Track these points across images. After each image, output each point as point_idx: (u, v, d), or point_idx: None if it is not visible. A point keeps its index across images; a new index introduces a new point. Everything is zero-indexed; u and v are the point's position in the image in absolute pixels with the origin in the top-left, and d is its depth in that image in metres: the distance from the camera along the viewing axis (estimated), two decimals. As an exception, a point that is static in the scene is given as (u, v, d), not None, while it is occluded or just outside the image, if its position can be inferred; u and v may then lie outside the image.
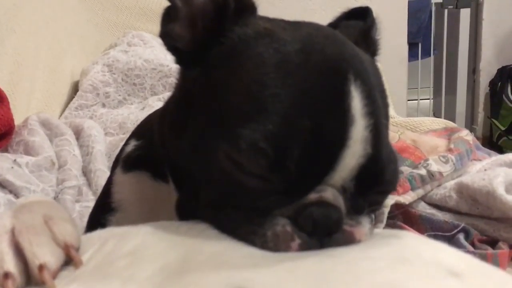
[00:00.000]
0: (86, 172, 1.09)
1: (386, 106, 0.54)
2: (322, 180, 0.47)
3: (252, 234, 0.47)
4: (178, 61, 0.59)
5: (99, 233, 0.51)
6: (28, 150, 1.03)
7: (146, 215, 0.65)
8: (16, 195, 0.90)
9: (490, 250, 0.93)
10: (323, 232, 0.47)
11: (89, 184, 1.06)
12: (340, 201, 0.48)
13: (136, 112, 1.47)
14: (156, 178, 0.66)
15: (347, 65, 0.50)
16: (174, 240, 0.47)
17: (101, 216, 0.69)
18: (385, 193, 0.55)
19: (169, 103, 0.63)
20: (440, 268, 0.42)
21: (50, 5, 1.73)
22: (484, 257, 0.90)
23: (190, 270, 0.41)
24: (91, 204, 1.00)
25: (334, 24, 0.67)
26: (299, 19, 0.59)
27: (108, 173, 1.08)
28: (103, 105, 1.52)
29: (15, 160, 0.93)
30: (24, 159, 0.96)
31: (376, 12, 0.71)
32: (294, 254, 0.45)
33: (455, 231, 0.98)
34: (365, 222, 0.51)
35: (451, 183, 1.07)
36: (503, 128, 3.13)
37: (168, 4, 0.57)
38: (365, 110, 0.48)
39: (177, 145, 0.56)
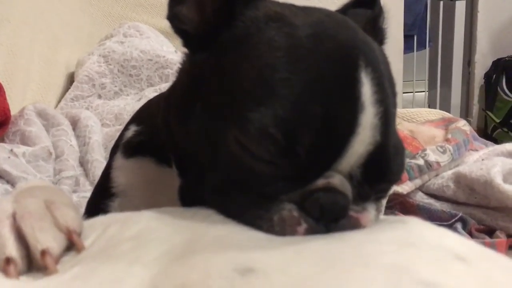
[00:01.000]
0: (83, 163, 1.08)
1: (394, 95, 0.53)
2: (331, 166, 0.47)
3: (259, 219, 0.47)
4: (186, 44, 0.59)
5: (101, 219, 0.51)
6: (25, 140, 1.02)
7: (148, 200, 0.65)
8: (13, 185, 0.89)
9: (487, 239, 0.93)
10: (330, 217, 0.47)
11: (86, 174, 1.06)
12: (347, 187, 0.48)
13: (132, 103, 1.46)
14: (160, 163, 0.66)
15: (359, 52, 0.50)
16: (179, 224, 0.47)
17: (101, 201, 0.68)
18: (391, 182, 0.55)
19: (174, 87, 0.62)
20: (447, 252, 0.42)
21: (44, -5, 1.72)
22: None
23: (196, 252, 0.41)
24: (89, 194, 1.00)
25: (342, 12, 0.67)
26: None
27: (103, 163, 1.08)
28: (99, 96, 1.51)
29: (11, 150, 0.93)
30: (21, 149, 0.95)
31: None
32: (301, 237, 0.45)
33: (453, 220, 0.99)
34: (371, 209, 0.51)
35: (448, 173, 1.07)
36: (498, 120, 3.14)
37: None
38: (375, 98, 0.48)
39: (184, 129, 0.56)
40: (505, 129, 3.10)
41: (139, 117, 0.74)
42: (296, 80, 0.47)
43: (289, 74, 0.47)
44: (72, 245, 0.45)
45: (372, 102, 0.47)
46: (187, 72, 0.60)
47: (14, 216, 0.44)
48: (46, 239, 0.42)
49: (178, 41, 1.84)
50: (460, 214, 0.98)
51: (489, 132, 3.24)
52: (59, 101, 1.54)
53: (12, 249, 0.41)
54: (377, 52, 0.54)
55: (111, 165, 0.71)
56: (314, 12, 0.56)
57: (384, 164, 0.50)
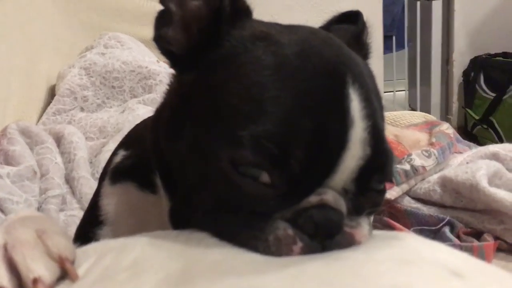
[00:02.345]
0: (69, 180, 1.07)
1: (381, 108, 0.54)
2: (323, 183, 0.48)
3: (253, 239, 0.46)
4: (173, 65, 0.59)
5: (94, 246, 0.50)
6: (9, 160, 1.01)
7: (134, 227, 0.64)
8: (-1, 207, 0.88)
9: (476, 243, 0.94)
10: (324, 234, 0.47)
11: (73, 192, 1.04)
12: (340, 203, 0.49)
13: (116, 116, 1.45)
14: (142, 189, 0.66)
15: (345, 68, 0.50)
16: (173, 250, 0.47)
17: (89, 229, 0.68)
18: (384, 192, 0.55)
19: (162, 108, 0.62)
20: (443, 269, 0.43)
21: (22, 8, 1.69)
22: (470, 250, 0.92)
23: (194, 280, 0.41)
24: (76, 212, 0.99)
25: (325, 28, 0.68)
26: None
27: (91, 180, 1.07)
28: (82, 109, 1.50)
29: (-5, 171, 0.91)
30: (5, 169, 0.94)
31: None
32: (298, 259, 0.45)
33: (441, 224, 1.00)
34: (365, 224, 0.51)
35: (434, 177, 1.09)
36: (477, 117, 3.18)
37: (161, 7, 0.57)
38: (364, 113, 0.48)
39: (173, 150, 0.55)
40: (485, 126, 3.14)
41: (127, 142, 0.74)
42: (285, 97, 0.47)
43: (278, 91, 0.48)
44: (65, 274, 0.44)
45: (361, 117, 0.48)
46: (175, 92, 0.60)
47: (5, 247, 0.44)
48: (38, 268, 0.42)
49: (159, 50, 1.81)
50: (448, 218, 1.00)
51: (469, 129, 3.29)
52: (40, 115, 1.51)
53: (4, 279, 0.41)
54: (362, 67, 0.55)
55: (99, 192, 0.70)
56: (299, 30, 0.57)
57: (376, 177, 0.51)
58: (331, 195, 0.48)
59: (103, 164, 1.11)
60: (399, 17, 3.41)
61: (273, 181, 0.47)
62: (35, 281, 0.41)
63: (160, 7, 0.58)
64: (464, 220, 1.01)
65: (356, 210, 0.51)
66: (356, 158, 0.48)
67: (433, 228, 0.99)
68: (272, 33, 0.54)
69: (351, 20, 0.69)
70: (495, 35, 3.32)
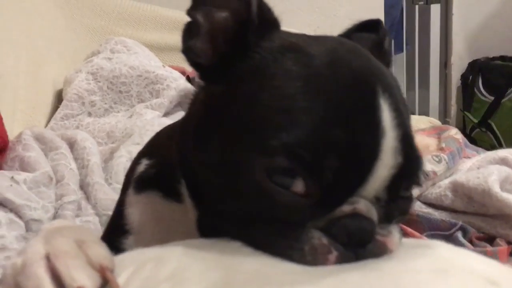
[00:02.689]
0: (83, 186, 1.07)
1: (409, 117, 0.55)
2: (356, 192, 0.48)
3: (289, 249, 0.47)
4: (202, 76, 0.59)
5: (130, 256, 0.51)
6: (24, 166, 1.01)
7: (160, 236, 0.65)
8: (17, 214, 0.88)
9: (489, 248, 0.95)
10: (357, 243, 0.48)
11: (87, 198, 1.04)
12: (372, 212, 0.50)
13: (123, 121, 1.45)
14: (168, 198, 0.66)
15: (374, 78, 0.51)
16: (211, 260, 0.47)
17: (115, 239, 0.68)
18: (411, 199, 0.56)
19: (188, 119, 0.63)
20: (479, 278, 0.44)
21: (27, 12, 1.69)
22: (484, 255, 0.92)
23: (236, 290, 0.42)
24: (91, 218, 0.99)
25: (346, 36, 0.68)
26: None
27: (105, 186, 1.07)
28: (89, 114, 1.50)
29: (12, 177, 0.91)
30: (21, 175, 0.94)
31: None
32: (335, 268, 0.46)
33: (453, 229, 1.00)
34: (395, 232, 0.52)
35: (445, 182, 1.09)
36: (476, 121, 3.20)
37: (188, 19, 0.58)
38: (394, 122, 0.49)
39: (202, 161, 0.56)
40: (483, 129, 3.17)
41: (150, 151, 0.73)
42: (317, 108, 0.48)
43: (310, 102, 0.48)
44: (106, 284, 0.45)
45: (392, 126, 0.49)
46: (203, 103, 0.60)
47: (47, 257, 0.44)
48: (81, 277, 0.43)
49: (163, 55, 1.83)
50: (460, 223, 1.00)
51: (468, 133, 3.30)
52: (48, 120, 1.52)
53: None
54: (389, 76, 0.56)
55: (123, 201, 0.71)
56: (327, 40, 0.58)
57: (409, 184, 0.53)
58: (363, 204, 0.49)
59: (115, 170, 1.12)
60: (398, 20, 3.42)
61: (307, 190, 0.48)
62: (79, 290, 0.42)
63: (186, 18, 0.58)
64: (476, 225, 1.02)
65: (387, 218, 0.51)
66: (388, 167, 0.49)
67: (446, 233, 1.00)
68: (301, 44, 0.54)
69: (371, 29, 0.70)
70: (493, 38, 3.35)
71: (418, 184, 0.56)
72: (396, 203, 0.52)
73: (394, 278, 0.43)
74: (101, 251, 0.47)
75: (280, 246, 0.47)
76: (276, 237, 0.48)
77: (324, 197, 0.48)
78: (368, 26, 0.70)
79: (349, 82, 0.50)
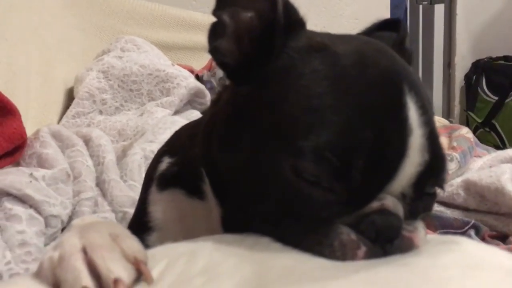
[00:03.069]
0: (99, 183, 1.08)
1: (433, 114, 0.56)
2: (383, 189, 0.49)
3: (319, 245, 0.48)
4: (229, 76, 0.60)
5: (161, 250, 0.52)
6: (42, 163, 1.02)
7: (183, 233, 0.66)
8: (37, 210, 0.89)
9: (502, 246, 0.96)
10: (385, 239, 0.49)
11: (103, 194, 1.05)
12: (399, 209, 0.51)
13: (134, 119, 1.46)
14: (191, 195, 0.67)
15: (400, 76, 0.52)
16: (242, 255, 0.48)
17: (138, 235, 0.68)
18: (435, 195, 0.57)
19: (214, 117, 0.63)
20: (508, 273, 0.44)
21: (37, 12, 1.70)
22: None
23: (269, 285, 0.42)
24: (108, 215, 1.00)
25: (367, 35, 0.69)
26: None
27: (121, 183, 1.08)
28: (100, 112, 1.50)
29: (31, 174, 0.92)
30: (40, 172, 0.95)
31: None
32: (366, 264, 0.47)
33: (466, 228, 1.01)
34: (421, 227, 0.53)
35: (457, 181, 1.10)
36: (479, 121, 3.21)
37: (214, 19, 0.58)
38: (421, 120, 0.50)
39: (229, 160, 0.56)
40: (487, 129, 3.18)
41: (171, 149, 0.74)
42: (344, 107, 0.49)
43: (337, 101, 0.49)
44: (140, 276, 0.46)
45: (419, 124, 0.50)
46: (229, 102, 0.61)
47: (84, 250, 0.46)
48: (118, 269, 0.44)
49: (172, 53, 1.84)
50: (473, 222, 1.01)
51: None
52: (60, 118, 1.53)
53: (87, 280, 0.43)
54: (414, 75, 0.56)
55: (146, 199, 0.72)
56: (352, 39, 0.59)
57: (434, 181, 0.54)
58: (390, 200, 0.50)
59: (130, 167, 1.13)
60: (401, 20, 3.44)
61: (335, 189, 0.49)
62: (116, 282, 0.43)
63: (212, 18, 0.58)
64: (488, 223, 1.03)
65: (412, 214, 0.52)
66: (415, 165, 0.50)
67: (459, 231, 1.01)
68: (328, 44, 0.55)
69: (391, 28, 0.71)
70: (496, 38, 3.36)
71: (443, 181, 0.56)
72: (421, 200, 0.53)
73: (424, 273, 0.44)
74: (135, 245, 0.48)
75: (309, 242, 0.48)
76: (306, 233, 0.49)
77: (352, 195, 0.49)
78: (388, 25, 0.71)
79: (376, 81, 0.51)
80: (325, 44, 0.55)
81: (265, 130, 0.53)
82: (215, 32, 0.58)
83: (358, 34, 0.70)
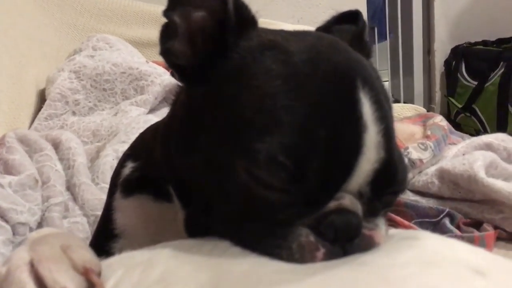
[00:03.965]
0: (69, 187, 1.06)
1: (390, 108, 0.55)
2: (340, 188, 0.48)
3: (277, 248, 0.47)
4: (181, 78, 0.58)
5: (118, 260, 0.51)
6: (9, 169, 0.99)
7: (151, 238, 0.64)
8: (3, 218, 0.87)
9: (476, 233, 0.96)
10: (345, 238, 0.48)
11: (74, 199, 1.03)
12: (357, 207, 0.50)
13: (109, 119, 1.44)
14: (157, 199, 0.65)
15: (354, 72, 0.51)
16: (199, 261, 0.47)
17: (104, 243, 0.68)
18: (398, 192, 0.56)
19: (171, 120, 0.62)
20: (466, 268, 0.44)
21: (6, 11, 1.67)
22: (471, 240, 0.94)
23: (227, 291, 0.42)
24: (79, 219, 0.98)
25: (326, 28, 0.68)
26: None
27: (92, 186, 1.06)
28: (74, 113, 1.48)
29: (-3, 181, 0.90)
30: (6, 179, 0.93)
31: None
32: (323, 265, 0.46)
33: (441, 216, 1.02)
34: (381, 224, 0.52)
35: (431, 169, 1.11)
36: (460, 106, 3.23)
37: (165, 20, 0.57)
38: (376, 116, 0.49)
39: (187, 163, 0.55)
40: (468, 114, 3.19)
41: (134, 153, 0.73)
42: (298, 106, 0.48)
43: (290, 101, 0.48)
44: (92, 287, 0.45)
45: (374, 121, 0.49)
46: (184, 105, 0.59)
47: (31, 263, 0.45)
48: (64, 280, 0.43)
49: (147, 50, 1.81)
50: (447, 210, 1.02)
51: (452, 118, 3.33)
52: (32, 121, 1.50)
53: None
54: (370, 69, 0.55)
55: (111, 205, 0.70)
56: (305, 36, 0.57)
57: (391, 178, 0.52)
58: (348, 199, 0.49)
59: (102, 169, 1.11)
60: (380, 8, 3.43)
61: (291, 192, 0.47)
62: (61, 292, 0.42)
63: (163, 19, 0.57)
64: (463, 211, 1.04)
65: (371, 212, 0.51)
66: (371, 162, 0.49)
67: (434, 220, 1.01)
68: (280, 42, 0.54)
69: (350, 20, 0.69)
70: (474, 24, 3.37)
71: (405, 181, 0.55)
72: (382, 198, 0.52)
73: (380, 272, 0.43)
74: (85, 255, 0.47)
75: (268, 245, 0.47)
76: (264, 236, 0.48)
77: (309, 196, 0.48)
78: (347, 18, 0.70)
79: (329, 78, 0.50)
80: (277, 42, 0.53)
81: (220, 132, 0.51)
82: (166, 34, 0.56)
83: (317, 28, 0.69)
